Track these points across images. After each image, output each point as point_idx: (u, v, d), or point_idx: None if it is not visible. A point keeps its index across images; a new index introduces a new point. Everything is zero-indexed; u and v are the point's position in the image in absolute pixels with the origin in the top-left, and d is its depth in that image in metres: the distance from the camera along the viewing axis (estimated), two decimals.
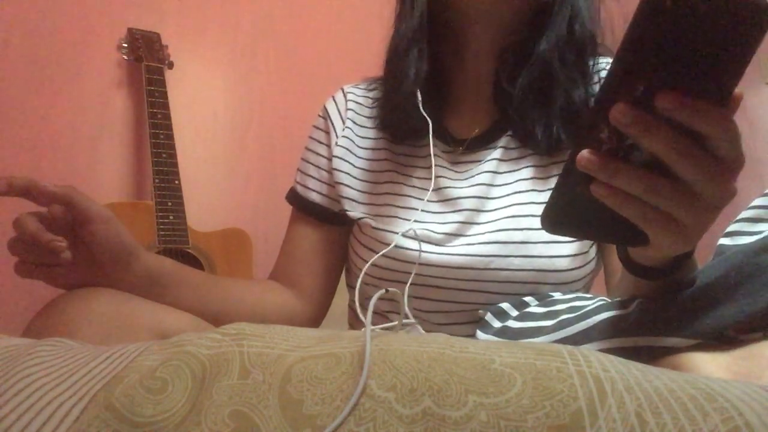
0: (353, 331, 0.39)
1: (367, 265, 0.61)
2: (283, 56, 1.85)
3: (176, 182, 1.40)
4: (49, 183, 0.55)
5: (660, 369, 0.34)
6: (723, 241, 0.51)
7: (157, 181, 1.37)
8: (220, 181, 1.71)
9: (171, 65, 1.58)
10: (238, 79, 1.78)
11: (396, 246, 0.68)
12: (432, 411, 0.30)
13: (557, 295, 0.62)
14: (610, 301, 0.53)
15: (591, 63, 0.72)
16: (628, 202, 0.36)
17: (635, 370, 0.32)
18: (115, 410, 0.31)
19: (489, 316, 0.62)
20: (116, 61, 1.60)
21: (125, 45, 1.56)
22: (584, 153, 0.35)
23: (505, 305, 0.63)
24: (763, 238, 0.45)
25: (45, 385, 0.33)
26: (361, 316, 0.54)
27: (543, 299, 0.62)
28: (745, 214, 0.52)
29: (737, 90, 0.33)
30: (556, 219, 0.40)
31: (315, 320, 0.82)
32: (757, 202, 0.51)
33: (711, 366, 0.41)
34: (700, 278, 0.46)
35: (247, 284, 0.79)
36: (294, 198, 0.83)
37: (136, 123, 1.60)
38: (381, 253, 0.65)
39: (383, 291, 0.42)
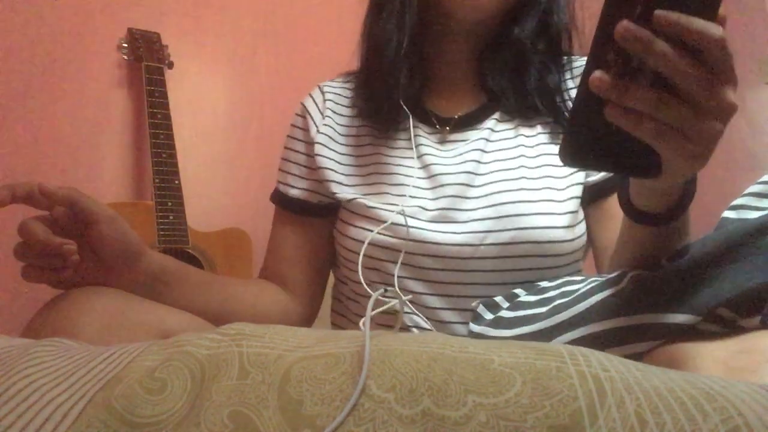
0: (353, 330, 0.39)
1: (368, 239, 0.63)
2: (283, 56, 1.85)
3: (176, 182, 1.39)
4: (51, 184, 0.54)
5: (660, 368, 0.34)
6: (727, 214, 0.52)
7: (157, 181, 1.37)
8: (220, 181, 1.71)
9: (171, 65, 1.58)
10: (238, 79, 1.78)
11: (392, 223, 0.69)
12: (431, 411, 0.30)
13: (545, 284, 0.63)
14: (602, 280, 0.53)
15: (565, 58, 0.77)
16: (641, 121, 0.38)
17: (635, 369, 0.32)
18: (114, 410, 0.31)
19: (481, 309, 0.63)
20: (116, 61, 1.60)
21: (125, 45, 1.56)
22: (596, 73, 0.37)
23: (497, 298, 0.64)
24: (766, 215, 0.45)
25: (44, 386, 0.33)
26: (368, 288, 0.55)
27: (532, 289, 0.63)
28: (752, 188, 0.52)
29: (721, 12, 0.37)
30: (573, 151, 0.41)
31: (309, 316, 0.83)
32: (766, 177, 0.52)
33: (708, 361, 0.41)
34: (699, 248, 0.47)
35: (246, 283, 0.80)
36: (276, 197, 0.85)
37: (136, 123, 1.60)
38: (378, 229, 0.67)
39: (382, 290, 0.42)
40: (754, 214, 0.49)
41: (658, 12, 0.35)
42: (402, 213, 0.69)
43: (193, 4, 1.74)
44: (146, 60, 1.51)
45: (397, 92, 0.74)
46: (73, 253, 0.54)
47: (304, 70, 1.86)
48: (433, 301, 0.71)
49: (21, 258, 0.54)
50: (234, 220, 1.60)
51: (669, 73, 0.37)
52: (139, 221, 1.34)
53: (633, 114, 0.38)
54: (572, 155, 0.42)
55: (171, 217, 1.35)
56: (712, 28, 0.36)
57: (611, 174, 0.73)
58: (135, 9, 1.64)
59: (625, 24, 0.36)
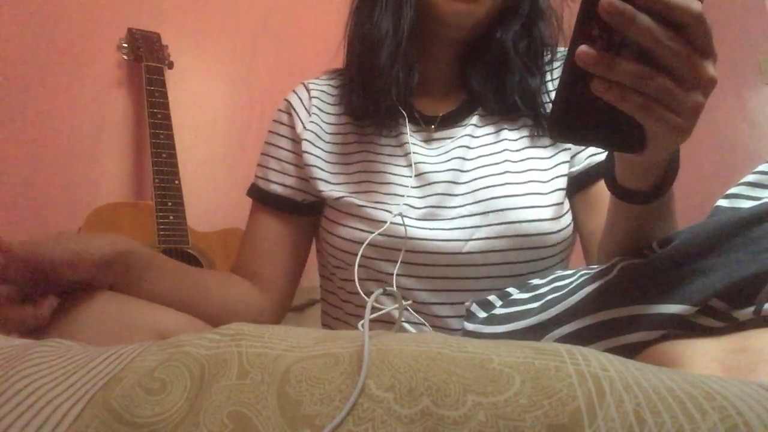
0: (351, 330, 0.39)
1: (367, 241, 0.63)
2: (283, 56, 1.85)
3: (176, 182, 1.39)
4: (7, 241, 0.49)
5: (659, 368, 0.34)
6: (721, 202, 0.53)
7: (157, 181, 1.37)
8: (220, 181, 1.71)
9: (171, 65, 1.58)
10: (238, 79, 1.78)
11: (383, 222, 0.70)
12: (430, 411, 0.30)
13: (537, 281, 0.63)
14: (592, 272, 0.53)
15: (548, 55, 0.78)
16: (625, 93, 0.39)
17: (634, 369, 0.32)
18: (113, 411, 0.31)
19: (475, 307, 0.64)
20: (116, 61, 1.60)
21: (125, 45, 1.56)
22: (582, 47, 0.38)
23: (491, 297, 0.65)
24: (759, 205, 0.46)
25: (44, 386, 0.33)
26: (363, 295, 0.54)
27: (524, 287, 0.64)
28: (748, 178, 0.53)
29: None
30: (561, 125, 0.42)
31: (278, 312, 0.82)
32: (762, 167, 0.53)
33: (705, 360, 0.41)
34: (690, 236, 0.47)
35: (217, 276, 0.79)
36: (254, 192, 0.85)
37: (136, 123, 1.60)
38: (379, 231, 0.67)
39: (380, 291, 0.42)
40: (747, 204, 0.50)
41: None
42: (401, 214, 0.69)
43: (193, 4, 1.74)
44: (146, 60, 1.51)
45: (392, 92, 0.75)
46: (56, 303, 0.52)
47: (303, 70, 1.85)
48: (425, 296, 0.71)
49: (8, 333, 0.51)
50: (234, 220, 1.60)
51: (651, 46, 0.38)
52: (139, 221, 1.34)
53: (618, 87, 0.39)
54: (559, 129, 0.42)
55: (171, 217, 1.35)
56: (692, 4, 0.37)
57: (594, 163, 0.74)
58: (135, 9, 1.64)
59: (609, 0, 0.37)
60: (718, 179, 1.76)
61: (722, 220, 0.46)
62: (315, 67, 1.86)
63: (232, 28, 1.79)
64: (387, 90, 0.74)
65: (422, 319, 0.70)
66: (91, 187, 1.51)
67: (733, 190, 0.53)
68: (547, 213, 0.70)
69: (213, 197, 1.69)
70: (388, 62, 0.74)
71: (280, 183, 0.82)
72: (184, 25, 1.72)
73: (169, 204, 1.36)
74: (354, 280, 0.61)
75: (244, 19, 1.81)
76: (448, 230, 0.70)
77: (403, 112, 0.76)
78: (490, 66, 0.77)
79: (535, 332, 0.53)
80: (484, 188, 0.72)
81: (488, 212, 0.70)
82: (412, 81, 0.76)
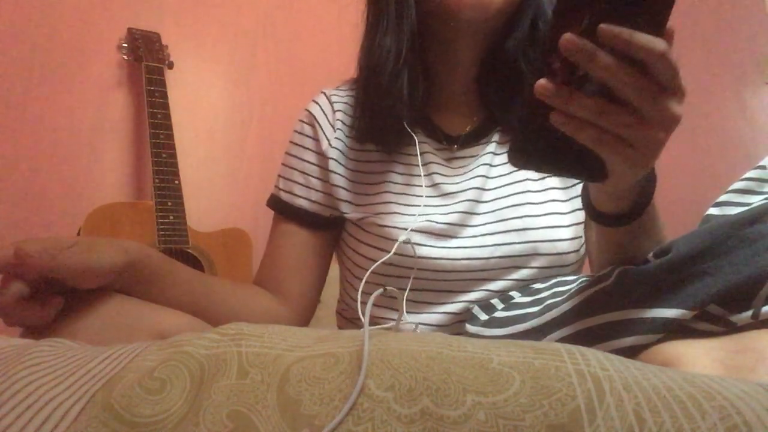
0: (351, 330, 0.39)
1: (372, 267, 0.62)
2: (283, 56, 1.85)
3: (176, 182, 1.40)
4: (30, 247, 0.49)
5: (659, 367, 0.34)
6: (711, 210, 0.53)
7: (157, 181, 1.37)
8: (220, 181, 1.71)
9: (171, 65, 1.58)
10: (238, 79, 1.78)
11: (404, 242, 0.68)
12: (430, 410, 0.30)
13: (539, 285, 0.64)
14: (591, 279, 0.53)
15: None
16: (584, 127, 0.39)
17: (634, 368, 0.32)
18: (113, 410, 0.31)
19: (476, 310, 0.64)
20: (116, 61, 1.60)
21: (125, 45, 1.56)
22: (541, 81, 0.39)
23: (493, 300, 0.65)
24: (749, 209, 0.46)
25: (44, 385, 0.33)
26: (361, 315, 0.54)
27: (526, 290, 0.64)
28: (736, 185, 0.53)
29: (670, 25, 0.37)
30: (522, 153, 0.43)
31: (302, 325, 0.81)
32: (750, 174, 0.53)
33: (705, 360, 0.41)
34: (684, 243, 0.47)
35: (234, 286, 0.77)
36: (277, 204, 0.82)
37: (136, 123, 1.60)
38: (383, 259, 0.66)
39: (381, 290, 0.42)
40: (736, 210, 0.50)
41: (602, 26, 0.36)
42: (409, 241, 0.68)
43: (193, 4, 1.74)
44: (146, 60, 1.51)
45: (400, 112, 0.72)
46: (62, 303, 0.53)
47: (303, 70, 1.86)
48: (438, 309, 0.71)
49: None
50: (234, 220, 1.60)
51: (612, 83, 0.38)
52: (139, 221, 1.34)
53: (576, 120, 0.39)
54: (520, 157, 0.43)
55: (171, 217, 1.35)
56: (656, 43, 0.37)
57: None
58: (135, 9, 1.64)
59: (568, 36, 0.37)
60: (717, 179, 1.76)
61: (714, 225, 0.46)
62: (315, 67, 1.87)
63: (232, 28, 1.79)
64: (393, 111, 0.72)
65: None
66: (91, 187, 1.51)
67: (722, 198, 0.53)
68: (567, 233, 0.70)
69: (213, 197, 1.69)
70: (392, 79, 0.71)
71: (305, 197, 0.79)
72: (184, 25, 1.72)
73: (169, 204, 1.36)
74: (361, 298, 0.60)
75: (244, 19, 1.81)
76: (469, 248, 0.70)
77: (414, 137, 0.74)
78: (505, 80, 0.74)
79: (534, 335, 0.53)
80: (506, 207, 0.71)
81: (509, 231, 0.70)
82: (418, 94, 0.73)
